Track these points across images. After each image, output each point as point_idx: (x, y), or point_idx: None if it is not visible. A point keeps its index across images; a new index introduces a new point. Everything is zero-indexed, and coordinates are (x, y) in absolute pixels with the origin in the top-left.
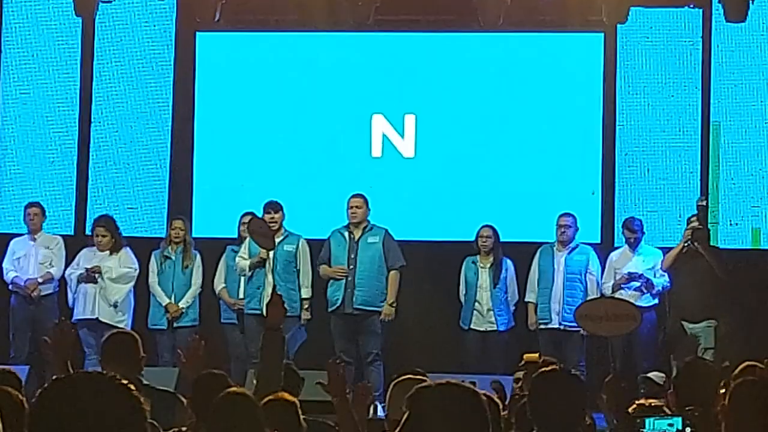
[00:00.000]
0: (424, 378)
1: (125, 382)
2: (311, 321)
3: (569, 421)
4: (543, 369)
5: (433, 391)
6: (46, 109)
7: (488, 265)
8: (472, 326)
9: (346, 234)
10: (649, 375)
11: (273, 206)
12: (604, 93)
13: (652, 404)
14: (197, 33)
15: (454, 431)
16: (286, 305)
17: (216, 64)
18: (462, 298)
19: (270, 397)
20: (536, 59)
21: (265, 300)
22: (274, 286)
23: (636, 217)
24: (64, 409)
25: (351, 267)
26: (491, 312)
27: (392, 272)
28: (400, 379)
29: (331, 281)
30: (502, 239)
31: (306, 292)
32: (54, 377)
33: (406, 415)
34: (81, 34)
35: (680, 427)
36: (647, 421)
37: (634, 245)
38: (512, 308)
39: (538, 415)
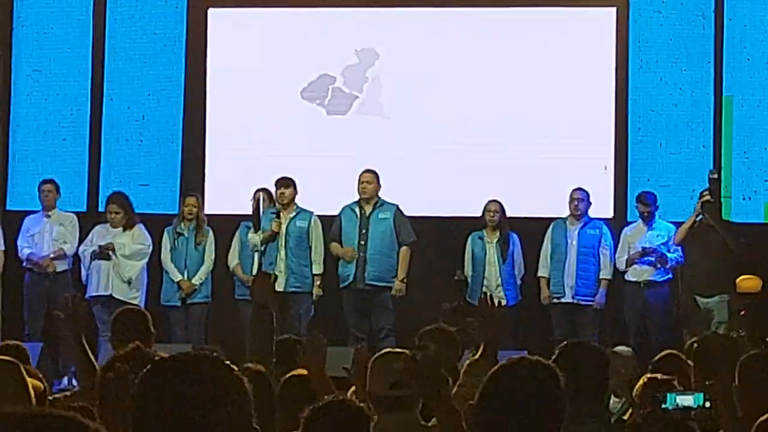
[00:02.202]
0: (406, 351)
1: (228, 362)
2: (323, 297)
3: (595, 395)
4: (566, 342)
5: (513, 367)
6: (58, 86)
7: (495, 240)
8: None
9: (357, 210)
10: (615, 349)
11: (284, 182)
12: (617, 67)
13: (662, 378)
14: (209, 9)
15: (534, 405)
16: (298, 281)
17: (228, 40)
18: (468, 274)
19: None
20: (548, 33)
21: (278, 276)
22: (259, 264)
23: (650, 191)
24: (169, 390)
25: (362, 243)
26: (500, 288)
27: (403, 248)
28: (382, 353)
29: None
30: (514, 215)
31: (317, 268)
32: (158, 358)
33: (485, 386)
34: (92, 11)
35: (701, 403)
36: (669, 396)
37: (648, 219)
38: (519, 282)
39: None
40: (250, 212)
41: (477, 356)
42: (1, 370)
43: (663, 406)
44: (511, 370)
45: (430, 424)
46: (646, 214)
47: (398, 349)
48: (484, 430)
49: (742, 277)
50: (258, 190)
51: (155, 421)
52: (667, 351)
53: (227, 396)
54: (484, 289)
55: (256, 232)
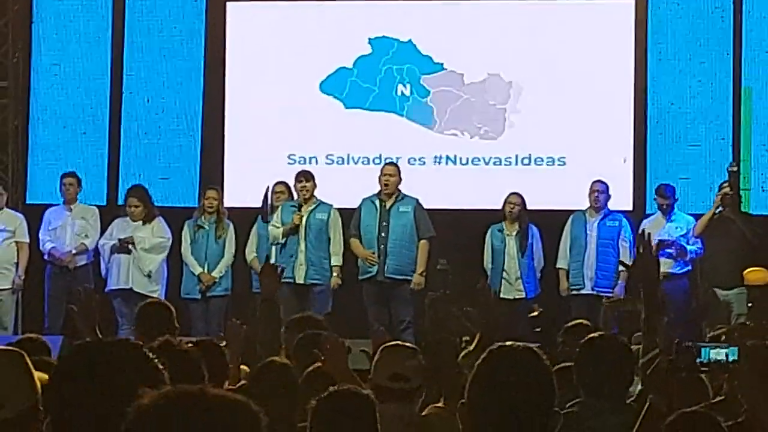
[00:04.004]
0: (415, 347)
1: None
2: (343, 290)
3: (618, 388)
4: (591, 335)
5: (501, 353)
6: (77, 79)
7: (514, 233)
8: (500, 295)
9: (377, 202)
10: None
11: (304, 175)
12: (635, 60)
13: None
14: (227, 3)
15: (523, 392)
16: (318, 273)
17: (246, 33)
18: (487, 267)
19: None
20: (567, 26)
21: (299, 269)
22: (266, 258)
23: (668, 183)
24: (83, 377)
25: (382, 235)
26: (519, 280)
27: (422, 242)
28: (387, 345)
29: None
30: (534, 207)
31: (336, 260)
32: (76, 344)
33: (473, 380)
34: (112, 5)
35: (735, 357)
36: (703, 350)
37: (666, 211)
38: (538, 275)
39: (587, 383)
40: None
41: (473, 346)
42: (6, 360)
43: (697, 359)
44: (495, 359)
45: (424, 413)
46: (664, 206)
47: (407, 344)
48: (477, 422)
49: (748, 270)
50: (277, 183)
51: (68, 407)
52: (577, 321)
53: (141, 380)
54: (503, 281)
55: (264, 221)
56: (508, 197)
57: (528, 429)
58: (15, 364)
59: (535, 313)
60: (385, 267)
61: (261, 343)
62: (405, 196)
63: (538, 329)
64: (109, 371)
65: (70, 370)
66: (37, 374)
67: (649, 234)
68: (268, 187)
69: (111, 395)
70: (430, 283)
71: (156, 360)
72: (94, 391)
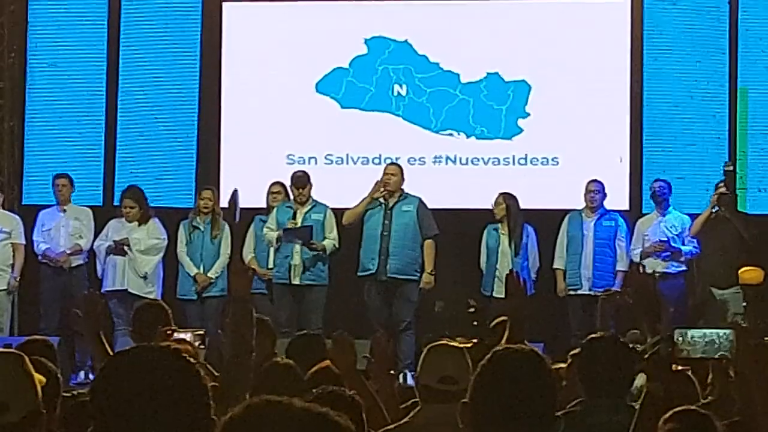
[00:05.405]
0: (460, 347)
1: (186, 355)
2: (342, 290)
3: (620, 388)
4: (593, 336)
5: (504, 355)
6: (73, 80)
7: (508, 232)
8: (494, 294)
9: (381, 201)
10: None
11: (301, 178)
12: (631, 59)
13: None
14: (223, 3)
15: (524, 394)
16: (313, 274)
17: (242, 33)
18: (483, 266)
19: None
20: (563, 26)
21: (294, 269)
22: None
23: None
24: (126, 383)
25: (385, 234)
26: None
27: (427, 241)
28: (435, 344)
29: (363, 249)
30: (528, 207)
31: (328, 244)
32: (118, 351)
33: (476, 381)
34: (108, 5)
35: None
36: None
37: (660, 202)
38: (534, 275)
39: (588, 382)
40: (265, 206)
41: (504, 339)
42: (7, 363)
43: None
44: (498, 361)
45: None
46: (656, 192)
47: (453, 343)
48: (478, 424)
49: (743, 269)
50: (273, 183)
51: (112, 412)
52: (501, 318)
53: (183, 387)
54: (496, 280)
55: (228, 223)
56: (495, 199)
57: (529, 431)
58: (16, 366)
59: (472, 309)
60: (387, 267)
61: (231, 346)
62: (408, 195)
63: (475, 323)
64: (151, 378)
65: (111, 377)
66: (36, 376)
67: (644, 266)
68: (236, 190)
69: (152, 402)
70: (427, 324)
71: (195, 365)
72: (135, 398)
